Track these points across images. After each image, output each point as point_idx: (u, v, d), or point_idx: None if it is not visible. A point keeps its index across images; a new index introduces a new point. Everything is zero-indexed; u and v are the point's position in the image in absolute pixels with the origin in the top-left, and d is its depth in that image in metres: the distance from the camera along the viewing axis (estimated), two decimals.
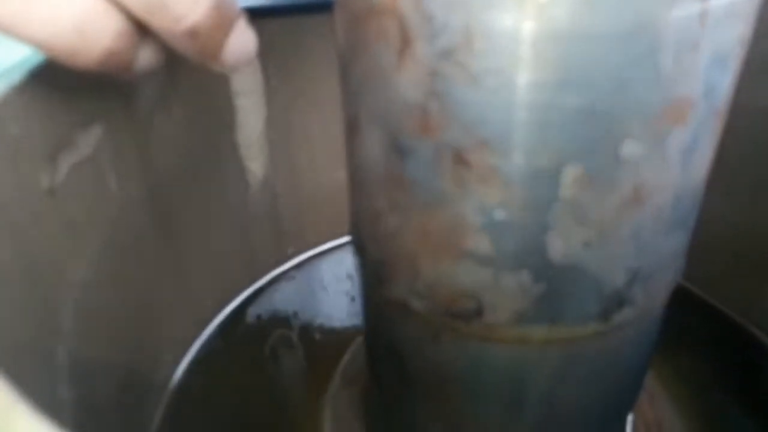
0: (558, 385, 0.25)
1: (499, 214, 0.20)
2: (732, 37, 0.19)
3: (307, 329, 0.42)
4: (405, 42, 0.19)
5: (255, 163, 0.39)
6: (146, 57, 0.23)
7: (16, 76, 0.23)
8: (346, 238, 0.47)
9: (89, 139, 0.28)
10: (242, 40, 0.24)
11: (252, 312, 0.43)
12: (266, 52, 0.37)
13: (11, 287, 0.21)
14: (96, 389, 0.28)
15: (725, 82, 0.20)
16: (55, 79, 0.25)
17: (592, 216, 0.20)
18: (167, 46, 0.23)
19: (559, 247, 0.21)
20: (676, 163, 0.20)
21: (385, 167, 0.22)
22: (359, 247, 0.26)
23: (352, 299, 0.45)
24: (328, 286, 0.46)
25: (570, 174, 0.19)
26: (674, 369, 0.38)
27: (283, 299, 0.44)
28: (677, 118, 0.19)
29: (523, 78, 0.18)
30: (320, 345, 0.41)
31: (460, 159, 0.20)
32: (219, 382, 0.39)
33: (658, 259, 0.23)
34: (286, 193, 0.42)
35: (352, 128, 0.23)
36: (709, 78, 0.19)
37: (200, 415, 0.37)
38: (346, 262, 0.47)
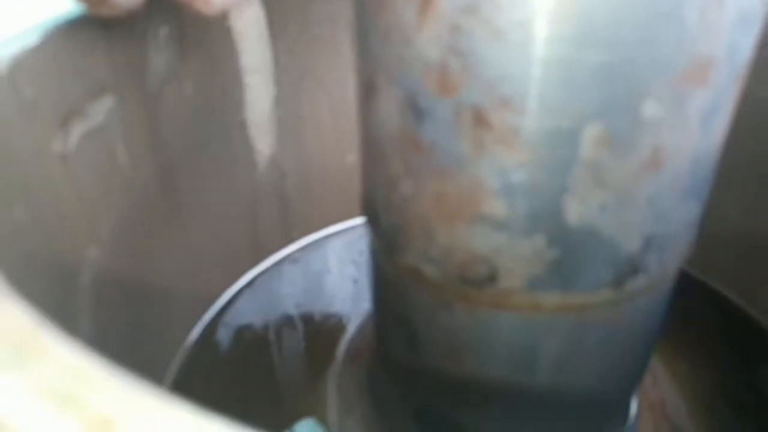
0: (569, 353, 0.24)
1: (517, 177, 0.20)
2: None
3: (310, 311, 0.42)
4: None
5: (263, 142, 0.39)
6: None
7: (31, 39, 0.22)
8: (352, 222, 0.46)
9: (100, 109, 0.27)
10: None
11: (257, 292, 0.42)
12: (275, 31, 0.36)
13: (29, 246, 0.20)
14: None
15: (747, 43, 0.19)
16: (67, 44, 0.24)
17: (610, 179, 0.20)
18: None
19: (575, 210, 0.20)
20: (695, 127, 0.20)
21: (402, 130, 0.21)
22: (372, 215, 0.25)
23: (356, 282, 0.44)
24: (333, 269, 0.46)
25: (590, 134, 0.19)
26: (676, 350, 0.38)
27: (287, 281, 0.44)
28: (699, 78, 0.19)
29: (547, 32, 0.17)
30: (323, 326, 0.41)
31: (479, 119, 0.19)
32: (223, 359, 0.38)
33: (673, 226, 0.22)
34: (293, 174, 0.41)
35: (367, 91, 0.22)
36: (733, 37, 0.18)
37: (205, 391, 0.36)
38: (351, 246, 0.46)
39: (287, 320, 0.41)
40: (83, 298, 0.25)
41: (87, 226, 0.26)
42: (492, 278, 0.22)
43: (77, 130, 0.25)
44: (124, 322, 0.29)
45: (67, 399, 0.10)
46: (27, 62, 0.22)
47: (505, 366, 0.25)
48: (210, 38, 0.33)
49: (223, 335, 0.39)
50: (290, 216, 0.43)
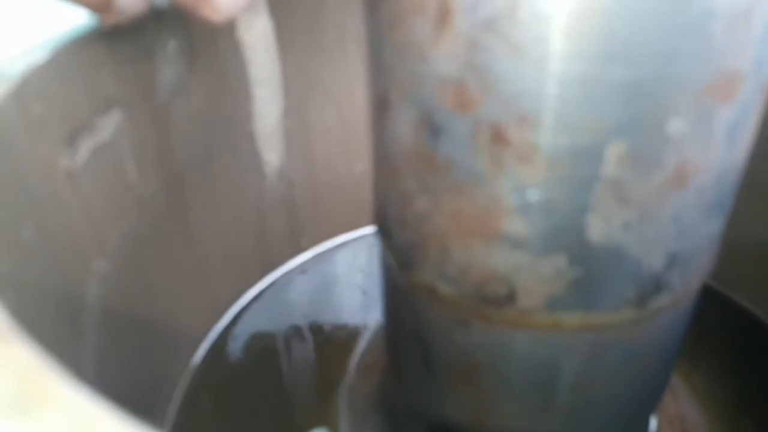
0: (589, 373, 0.24)
1: (537, 195, 0.19)
2: None
3: (319, 322, 0.41)
4: (443, 13, 0.17)
5: (271, 153, 0.38)
6: None
7: (38, 56, 0.22)
8: (360, 232, 0.46)
9: (108, 124, 0.26)
10: None
11: (265, 304, 0.42)
12: (284, 42, 0.36)
13: (37, 268, 0.20)
14: (114, 377, 0.26)
15: None
16: (75, 60, 0.24)
17: (634, 196, 0.19)
18: None
19: (598, 228, 0.19)
20: (721, 141, 0.19)
21: (416, 146, 0.20)
22: (384, 230, 0.25)
23: (365, 293, 0.44)
24: (342, 279, 0.45)
25: (613, 151, 0.18)
26: (694, 362, 0.37)
27: (296, 292, 0.43)
28: (726, 93, 0.18)
29: (566, 49, 0.17)
30: (333, 338, 0.40)
31: (497, 136, 0.18)
32: (233, 373, 0.37)
33: (697, 242, 0.21)
34: (302, 184, 0.41)
35: (380, 107, 0.22)
36: (760, 50, 0.18)
37: (215, 406, 0.36)
38: (360, 256, 0.46)
39: (297, 332, 0.41)
40: (90, 315, 0.24)
41: (94, 243, 0.26)
42: (510, 297, 0.21)
43: (85, 145, 0.25)
44: (132, 339, 0.29)
45: None
46: (35, 79, 0.21)
47: (522, 386, 0.24)
48: (218, 51, 0.33)
49: (233, 348, 0.39)
50: (299, 226, 0.43)
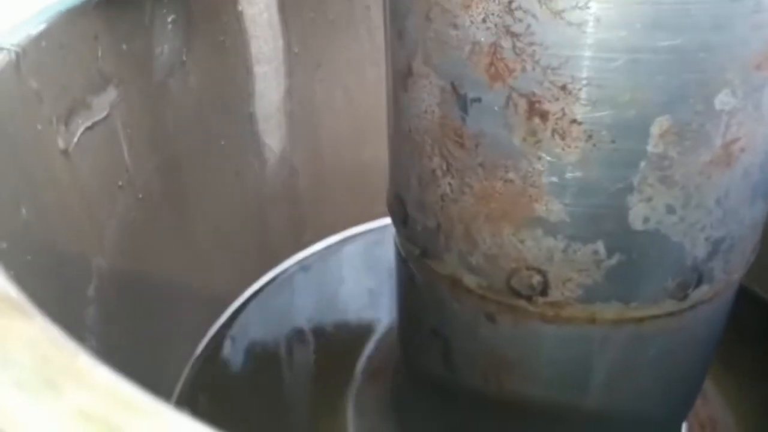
0: (624, 370, 0.24)
1: (577, 174, 0.19)
2: None
3: (323, 323, 0.41)
4: None
5: (272, 137, 0.38)
6: None
7: (36, 27, 0.22)
8: (368, 225, 0.46)
9: (104, 102, 0.26)
10: None
11: (265, 303, 0.42)
12: (288, 17, 0.36)
13: (36, 251, 0.20)
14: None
15: None
16: (72, 32, 0.24)
17: (679, 176, 0.19)
18: None
19: (640, 211, 0.19)
20: None
21: (443, 121, 0.20)
22: (401, 216, 0.25)
23: (371, 292, 0.44)
24: (347, 277, 0.45)
25: (658, 126, 0.18)
26: (725, 365, 0.37)
27: (298, 290, 0.43)
28: None
29: (611, 14, 0.17)
30: (338, 339, 0.40)
31: (535, 109, 0.18)
32: (232, 375, 0.37)
33: (740, 228, 0.21)
34: (305, 171, 0.41)
35: (402, 79, 0.21)
36: None
37: (213, 409, 0.35)
38: (367, 252, 0.45)
39: (298, 333, 0.41)
40: (90, 308, 0.24)
41: (91, 229, 0.26)
42: (543, 288, 0.21)
43: (80, 124, 0.24)
44: (130, 334, 0.28)
45: (107, 426, 0.09)
46: (32, 51, 0.21)
47: (552, 384, 0.24)
48: (219, 25, 0.32)
49: (231, 349, 0.39)
50: (301, 217, 0.43)
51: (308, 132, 0.40)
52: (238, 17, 0.33)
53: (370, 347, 0.39)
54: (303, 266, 0.44)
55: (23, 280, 0.15)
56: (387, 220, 0.45)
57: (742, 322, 0.39)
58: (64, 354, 0.10)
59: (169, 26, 0.30)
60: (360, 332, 0.40)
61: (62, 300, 0.22)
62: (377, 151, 0.41)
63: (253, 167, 0.38)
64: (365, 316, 0.42)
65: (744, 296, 0.40)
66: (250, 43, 0.35)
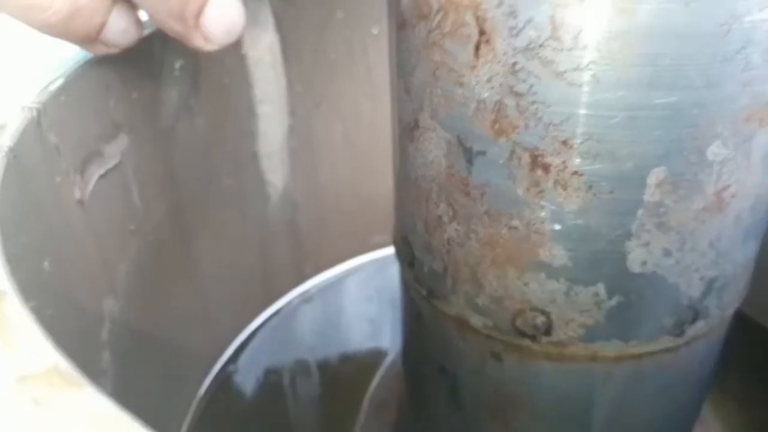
0: (625, 404, 0.24)
1: (577, 221, 0.20)
2: None
3: (327, 355, 0.42)
4: (483, 37, 0.18)
5: (275, 174, 0.39)
6: (118, 25, 0.22)
7: (53, 83, 0.23)
8: (367, 257, 0.46)
9: (116, 150, 0.27)
10: (224, 5, 0.23)
11: (270, 337, 0.42)
12: (290, 57, 0.37)
13: (54, 304, 0.20)
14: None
15: None
16: (87, 84, 0.25)
17: (674, 222, 0.20)
18: (142, 14, 0.22)
19: (638, 255, 0.20)
20: (758, 166, 0.20)
21: (449, 171, 0.21)
22: (408, 258, 0.25)
23: (373, 323, 0.44)
24: (349, 308, 0.45)
25: (655, 177, 0.19)
26: (723, 390, 0.38)
27: (301, 322, 0.44)
28: (763, 118, 0.19)
29: (610, 75, 0.18)
30: (342, 372, 0.41)
31: (537, 162, 0.19)
32: (238, 408, 0.38)
33: (733, 267, 0.22)
34: (306, 206, 0.41)
35: (409, 130, 0.22)
36: None
37: None
38: (368, 283, 0.46)
39: (302, 365, 0.41)
40: (104, 353, 0.25)
41: (104, 275, 0.26)
42: (547, 329, 0.22)
43: (94, 173, 0.25)
44: (139, 375, 0.29)
45: None
46: (51, 106, 0.22)
47: (557, 422, 0.25)
48: (224, 68, 0.33)
49: (237, 382, 0.39)
50: (303, 251, 0.43)
51: (309, 168, 0.40)
52: (242, 60, 0.34)
53: (375, 379, 0.39)
54: (305, 298, 0.44)
55: (48, 333, 0.15)
56: (385, 251, 0.45)
57: (741, 350, 0.40)
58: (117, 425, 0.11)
59: (177, 72, 0.31)
60: (364, 363, 0.41)
61: (79, 347, 0.23)
62: (375, 184, 0.42)
63: (257, 205, 0.39)
64: (368, 345, 0.42)
65: (744, 324, 0.42)
66: (254, 84, 0.35)
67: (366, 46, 0.40)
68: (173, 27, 0.23)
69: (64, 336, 0.21)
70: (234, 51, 0.34)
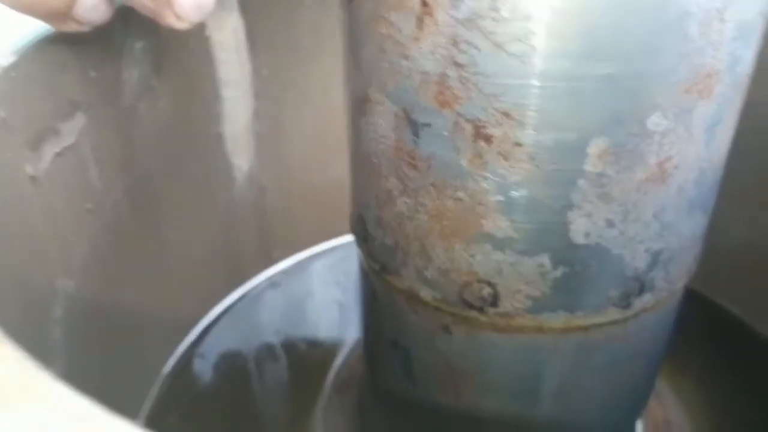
0: (574, 377, 0.25)
1: (520, 192, 0.20)
2: (754, 9, 0.19)
3: (293, 339, 0.42)
4: (425, 9, 0.18)
5: (241, 157, 0.39)
6: (89, 1, 0.22)
7: (4, 58, 0.23)
8: (335, 241, 0.47)
9: (72, 128, 0.27)
10: None
11: (235, 320, 0.42)
12: (257, 42, 0.37)
13: (1, 279, 0.20)
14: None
15: (748, 55, 0.20)
16: (40, 62, 0.24)
17: (617, 192, 0.20)
18: None
19: (581, 226, 0.21)
20: (700, 138, 0.21)
21: (397, 144, 0.21)
22: (362, 234, 0.26)
23: (341, 306, 0.44)
24: (316, 293, 0.45)
25: (596, 147, 0.19)
26: (680, 366, 0.38)
27: (267, 307, 0.44)
28: (703, 90, 0.20)
29: (551, 46, 0.18)
30: (307, 355, 0.41)
31: (480, 133, 0.19)
32: (201, 392, 0.38)
33: (679, 240, 0.23)
34: (273, 191, 0.41)
35: (360, 105, 0.23)
36: (734, 49, 0.19)
37: (182, 427, 0.36)
38: (336, 268, 0.46)
39: (268, 349, 0.41)
40: (56, 329, 0.25)
41: (59, 253, 0.26)
42: (493, 300, 0.22)
43: (49, 150, 0.25)
44: (97, 354, 0.29)
45: None
46: (1, 82, 0.22)
47: (506, 394, 0.25)
48: (187, 50, 0.33)
49: (200, 367, 0.39)
50: (270, 235, 0.43)
51: (276, 152, 0.40)
52: (206, 42, 0.34)
53: (338, 361, 0.40)
54: (272, 283, 0.44)
55: None
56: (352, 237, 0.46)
57: (697, 326, 0.41)
58: (25, 373, 0.11)
59: (138, 53, 0.31)
60: (330, 346, 0.41)
61: (26, 323, 0.23)
62: (344, 171, 0.42)
63: (223, 187, 0.39)
64: (334, 329, 0.42)
65: (699, 302, 0.42)
66: (218, 67, 0.35)
67: (334, 32, 0.40)
68: (145, 4, 0.23)
69: (8, 308, 0.21)
70: (198, 33, 0.34)
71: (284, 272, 0.45)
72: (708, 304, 0.42)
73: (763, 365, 0.39)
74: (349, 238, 0.47)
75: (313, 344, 0.41)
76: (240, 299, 0.43)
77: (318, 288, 0.45)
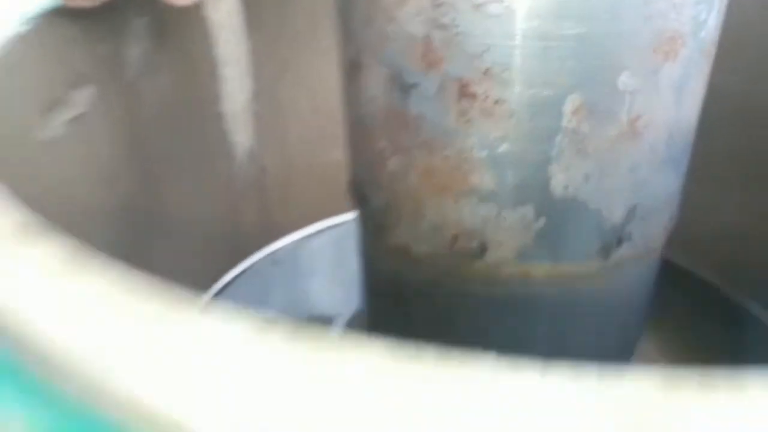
0: (561, 326, 0.26)
1: (503, 148, 0.22)
2: None
3: (293, 316, 0.43)
4: None
5: (241, 135, 0.40)
6: None
7: (17, 27, 0.24)
8: (335, 219, 0.48)
9: (81, 98, 0.28)
10: None
11: (236, 297, 0.43)
12: (254, 23, 0.38)
13: None
14: None
15: (712, 20, 0.22)
16: (51, 34, 0.26)
17: (592, 148, 0.22)
18: None
19: (560, 179, 0.22)
20: (669, 98, 0.22)
21: (388, 106, 0.23)
22: (359, 196, 0.27)
23: (341, 284, 0.46)
24: (317, 270, 0.47)
25: (571, 104, 0.21)
26: (659, 341, 0.39)
27: (268, 283, 0.45)
28: (668, 52, 0.21)
29: (525, 6, 0.19)
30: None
31: (464, 91, 0.21)
32: None
33: (654, 196, 0.24)
34: (274, 169, 0.43)
35: (351, 71, 0.24)
36: (697, 13, 0.21)
37: None
38: (336, 245, 0.47)
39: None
40: None
41: (65, 217, 0.27)
42: (481, 251, 0.24)
43: (60, 118, 0.26)
44: None
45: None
46: (14, 49, 0.23)
47: (501, 340, 0.26)
48: (187, 29, 0.35)
49: None
50: (271, 213, 0.45)
51: (276, 132, 0.42)
52: (203, 22, 0.36)
53: (337, 326, 0.41)
54: (273, 260, 0.46)
55: None
56: (353, 214, 0.47)
57: (675, 297, 0.42)
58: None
59: (139, 29, 0.32)
60: (330, 322, 0.42)
61: None
62: (341, 149, 0.44)
63: (223, 164, 0.40)
64: (335, 306, 0.44)
65: (677, 273, 0.44)
66: (216, 46, 0.37)
67: (330, 13, 0.41)
68: None
69: None
70: (196, 13, 0.35)
71: (285, 249, 0.46)
72: (686, 276, 0.43)
73: (741, 334, 0.41)
74: (348, 216, 0.49)
75: (314, 321, 0.43)
76: (240, 275, 0.44)
77: (319, 265, 0.47)
